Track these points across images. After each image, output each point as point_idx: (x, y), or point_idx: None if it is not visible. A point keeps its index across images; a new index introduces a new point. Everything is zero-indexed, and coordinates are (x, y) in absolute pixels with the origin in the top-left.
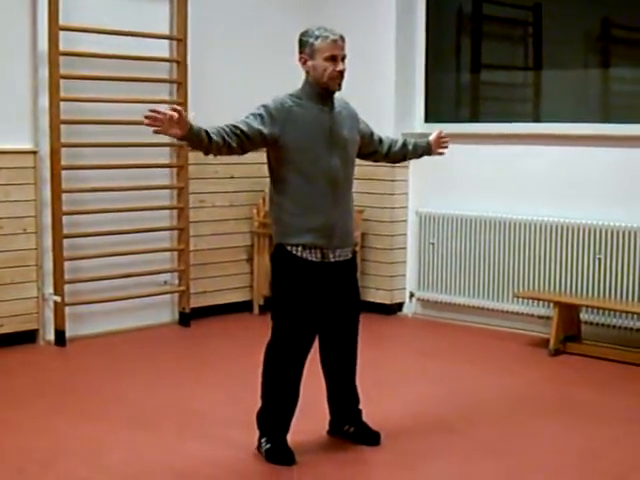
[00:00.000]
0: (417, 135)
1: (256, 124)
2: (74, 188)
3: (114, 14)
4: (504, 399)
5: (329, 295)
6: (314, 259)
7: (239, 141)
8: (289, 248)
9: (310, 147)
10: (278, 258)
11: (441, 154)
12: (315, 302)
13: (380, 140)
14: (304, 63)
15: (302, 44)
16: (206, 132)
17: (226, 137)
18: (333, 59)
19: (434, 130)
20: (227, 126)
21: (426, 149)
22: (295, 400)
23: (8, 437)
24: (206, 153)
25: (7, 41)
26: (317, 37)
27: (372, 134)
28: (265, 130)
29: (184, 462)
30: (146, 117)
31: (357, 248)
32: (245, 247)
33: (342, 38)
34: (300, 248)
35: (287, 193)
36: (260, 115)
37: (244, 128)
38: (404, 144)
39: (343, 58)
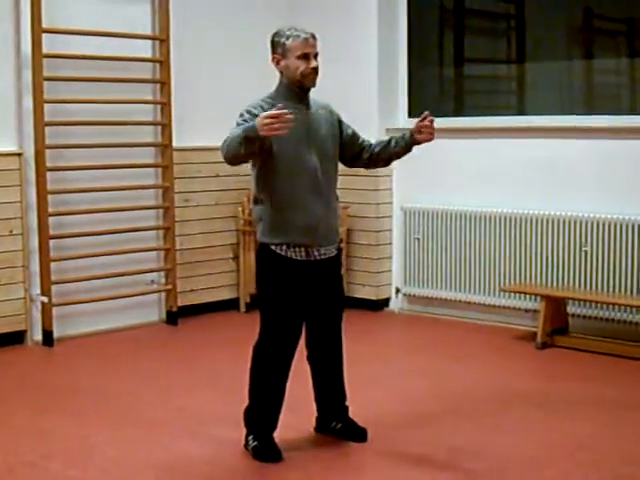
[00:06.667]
0: (401, 130)
1: None
2: (59, 189)
3: (96, 15)
4: (491, 393)
5: (314, 292)
6: (298, 258)
7: None
8: (273, 247)
9: (290, 146)
10: (263, 257)
11: (426, 140)
12: (300, 300)
13: (365, 142)
14: (277, 63)
15: (274, 44)
16: None
17: None
18: (305, 57)
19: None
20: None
21: (408, 139)
22: (281, 398)
23: None
24: (236, 160)
25: None
26: (288, 37)
27: (355, 134)
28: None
29: (172, 460)
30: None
31: (342, 245)
32: (231, 245)
33: (313, 36)
34: (284, 247)
35: (269, 192)
36: (248, 121)
37: None
38: (388, 141)
39: (315, 55)
